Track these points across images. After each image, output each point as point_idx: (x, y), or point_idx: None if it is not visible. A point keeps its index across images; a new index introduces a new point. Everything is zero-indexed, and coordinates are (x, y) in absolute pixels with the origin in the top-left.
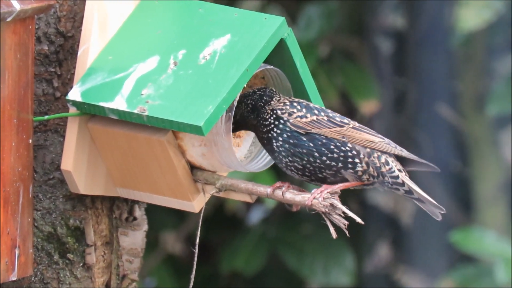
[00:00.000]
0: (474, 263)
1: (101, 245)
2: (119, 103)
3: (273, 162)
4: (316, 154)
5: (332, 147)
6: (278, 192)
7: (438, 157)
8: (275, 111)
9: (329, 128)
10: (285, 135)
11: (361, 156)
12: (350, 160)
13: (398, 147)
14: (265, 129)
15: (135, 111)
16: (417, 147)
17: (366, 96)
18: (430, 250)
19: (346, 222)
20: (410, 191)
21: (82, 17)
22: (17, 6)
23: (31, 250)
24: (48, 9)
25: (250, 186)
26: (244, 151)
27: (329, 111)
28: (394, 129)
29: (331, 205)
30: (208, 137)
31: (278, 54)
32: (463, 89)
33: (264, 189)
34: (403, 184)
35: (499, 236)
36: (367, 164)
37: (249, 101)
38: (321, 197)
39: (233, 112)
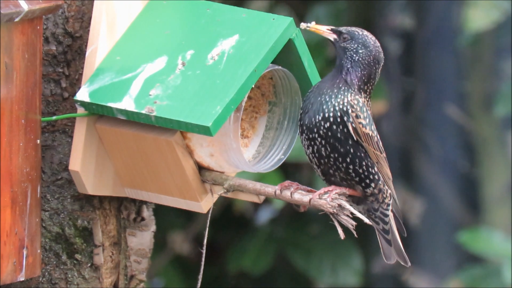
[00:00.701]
0: (481, 264)
1: (109, 246)
2: (127, 103)
3: (280, 163)
4: (348, 159)
5: (364, 163)
6: (286, 193)
7: (446, 158)
8: (347, 106)
9: (374, 148)
10: (337, 128)
11: (379, 182)
12: (367, 181)
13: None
14: (324, 99)
15: (143, 112)
16: (425, 147)
17: (374, 96)
18: (438, 251)
19: (354, 223)
20: (388, 231)
21: (90, 18)
22: (25, 6)
23: (39, 251)
24: (56, 10)
25: (258, 187)
26: (252, 151)
27: (377, 133)
28: (402, 129)
29: (339, 205)
30: (216, 138)
31: (286, 55)
32: (471, 90)
33: (272, 190)
34: (387, 222)
35: (507, 236)
36: (380, 190)
37: (360, 50)
38: (329, 198)
39: (242, 106)
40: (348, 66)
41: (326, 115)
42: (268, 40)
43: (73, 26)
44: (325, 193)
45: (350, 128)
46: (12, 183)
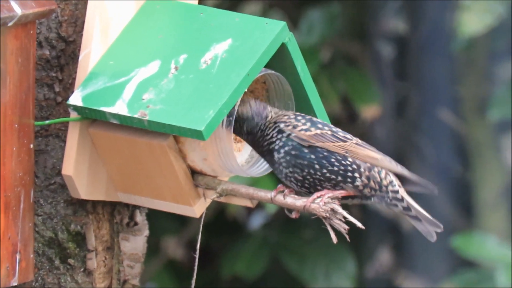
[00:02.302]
0: (475, 268)
1: (102, 250)
2: (120, 107)
3: None
4: (316, 166)
5: (333, 160)
6: (280, 197)
7: (439, 162)
8: (277, 124)
9: (332, 142)
10: (287, 147)
11: (362, 170)
12: (349, 174)
13: (399, 166)
14: (266, 142)
15: (136, 116)
16: (419, 152)
17: (368, 100)
18: (431, 255)
19: (346, 227)
20: (408, 208)
21: (83, 22)
22: (18, 10)
23: (32, 255)
24: (50, 14)
25: (251, 191)
26: (245, 155)
27: (332, 126)
28: (396, 134)
29: (332, 210)
30: (209, 142)
31: (279, 59)
32: (465, 94)
33: (265, 194)
34: (402, 199)
35: (500, 241)
36: (368, 178)
37: (245, 128)
38: (322, 202)
39: (234, 117)
40: (250, 136)
41: (271, 147)
42: (261, 44)
43: (67, 31)
44: (318, 197)
45: (294, 139)
46: (5, 187)
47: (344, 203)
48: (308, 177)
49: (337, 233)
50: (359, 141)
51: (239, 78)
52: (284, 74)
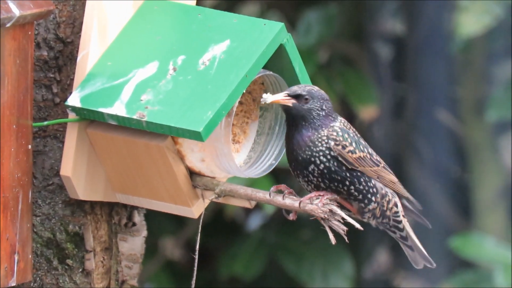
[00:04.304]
0: (473, 269)
1: (100, 251)
2: (118, 108)
3: (271, 168)
4: (347, 182)
5: (362, 180)
6: (278, 198)
7: (437, 163)
8: (329, 141)
9: (370, 166)
10: (328, 164)
11: (377, 195)
12: (369, 196)
13: (405, 191)
14: (310, 152)
15: (134, 117)
16: (417, 153)
17: (366, 101)
18: (429, 256)
19: (345, 228)
20: (405, 237)
21: (81, 23)
22: (16, 12)
23: (30, 256)
24: (48, 15)
25: (249, 192)
26: (243, 156)
27: (367, 145)
28: (394, 135)
29: (330, 211)
30: (207, 143)
31: (277, 60)
32: (463, 95)
33: (263, 195)
34: (402, 229)
35: (499, 241)
36: (378, 204)
37: (324, 106)
38: (320, 203)
39: (233, 111)
40: (319, 123)
41: (313, 159)
42: (259, 45)
43: (65, 32)
44: (317, 198)
45: (340, 159)
46: (3, 188)
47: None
48: (333, 187)
49: (335, 233)
50: (382, 164)
51: (238, 79)
52: (282, 75)
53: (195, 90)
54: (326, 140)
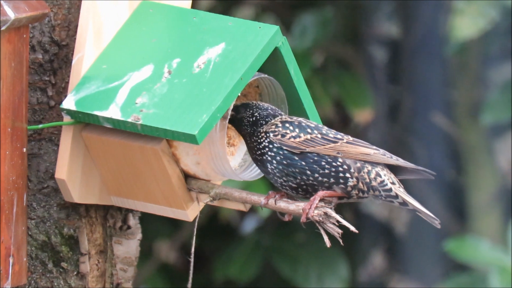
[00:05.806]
0: (468, 272)
1: (95, 254)
2: (113, 112)
3: None
4: (308, 172)
5: (323, 163)
6: (272, 201)
7: (432, 166)
8: (268, 134)
9: (323, 145)
10: (278, 158)
11: (352, 170)
12: (341, 175)
13: (394, 157)
14: (259, 152)
15: (129, 120)
16: (412, 156)
17: (361, 104)
18: (424, 259)
19: (340, 231)
20: (404, 203)
21: (76, 26)
22: (11, 15)
23: (25, 259)
24: (43, 18)
25: (244, 195)
26: (238, 159)
27: (322, 127)
28: (389, 138)
29: (325, 213)
30: (202, 146)
31: (272, 63)
32: (458, 98)
33: (258, 198)
34: (396, 196)
35: (494, 244)
36: (357, 178)
37: (256, 112)
38: (312, 207)
39: (229, 114)
40: (255, 126)
41: (264, 157)
42: (255, 48)
43: (60, 35)
44: (311, 206)
45: (284, 148)
46: None
47: (339, 202)
48: (302, 183)
49: (330, 236)
50: (351, 139)
51: (233, 82)
52: (277, 78)
53: (190, 93)
54: (265, 136)
